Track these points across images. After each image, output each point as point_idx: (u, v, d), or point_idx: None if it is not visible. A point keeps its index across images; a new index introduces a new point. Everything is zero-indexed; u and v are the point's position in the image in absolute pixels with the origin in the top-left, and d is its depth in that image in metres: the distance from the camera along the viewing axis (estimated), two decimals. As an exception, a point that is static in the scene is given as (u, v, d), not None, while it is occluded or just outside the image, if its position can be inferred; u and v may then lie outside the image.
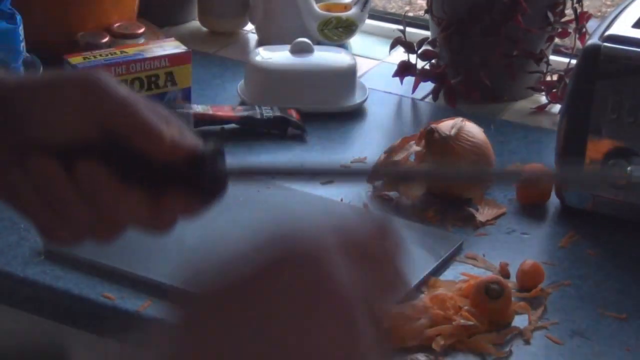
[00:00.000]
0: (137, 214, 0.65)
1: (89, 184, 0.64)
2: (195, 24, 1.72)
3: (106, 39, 1.46)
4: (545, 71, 1.46)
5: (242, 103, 1.43)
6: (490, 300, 1.01)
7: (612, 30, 1.16)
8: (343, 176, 0.63)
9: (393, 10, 2.34)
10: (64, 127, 0.65)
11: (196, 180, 0.64)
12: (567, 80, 1.39)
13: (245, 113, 1.37)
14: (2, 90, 0.66)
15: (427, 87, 1.49)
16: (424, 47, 1.47)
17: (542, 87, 1.46)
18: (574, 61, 1.39)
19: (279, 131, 1.36)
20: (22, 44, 1.36)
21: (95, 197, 0.64)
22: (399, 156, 1.22)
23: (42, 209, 0.65)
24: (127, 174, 0.64)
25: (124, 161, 0.65)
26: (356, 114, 1.44)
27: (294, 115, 1.38)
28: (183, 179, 0.65)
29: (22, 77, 0.67)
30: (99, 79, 0.65)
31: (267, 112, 1.37)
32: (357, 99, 1.44)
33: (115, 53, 1.35)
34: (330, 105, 1.43)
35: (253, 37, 1.68)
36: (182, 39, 1.45)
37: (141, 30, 1.50)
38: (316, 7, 1.62)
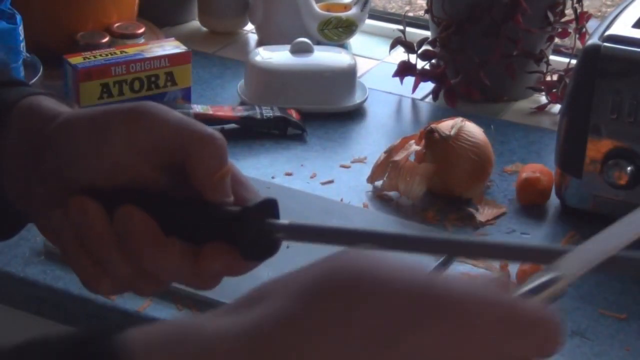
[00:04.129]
0: (178, 270, 0.61)
1: (129, 233, 0.60)
2: (195, 24, 1.72)
3: (106, 39, 1.46)
4: (545, 71, 1.46)
5: (242, 103, 1.43)
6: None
7: (612, 30, 1.16)
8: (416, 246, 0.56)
9: (393, 10, 2.34)
10: (110, 169, 0.61)
11: (242, 236, 0.59)
12: (567, 80, 1.39)
13: (245, 113, 1.37)
14: (47, 130, 0.63)
15: (427, 87, 1.49)
16: (424, 47, 1.47)
17: (542, 87, 1.46)
18: (574, 61, 1.39)
19: (279, 131, 1.37)
20: (22, 44, 1.36)
21: (134, 248, 0.60)
22: (399, 156, 1.22)
23: (83, 256, 0.62)
24: (170, 223, 0.60)
25: (168, 208, 0.61)
26: (356, 114, 1.44)
27: (294, 115, 1.38)
28: (228, 233, 0.60)
29: (68, 114, 0.63)
30: (148, 108, 0.62)
31: (267, 112, 1.37)
32: (357, 99, 1.44)
33: (115, 53, 1.35)
34: (330, 105, 1.43)
35: (253, 37, 1.68)
36: (182, 39, 1.46)
37: (141, 30, 1.50)
38: (316, 7, 1.62)
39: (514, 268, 1.09)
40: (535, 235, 1.17)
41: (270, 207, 0.60)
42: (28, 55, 1.37)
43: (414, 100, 1.49)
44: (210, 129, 0.62)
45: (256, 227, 0.59)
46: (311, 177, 1.27)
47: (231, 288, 1.05)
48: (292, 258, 1.10)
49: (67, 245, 0.62)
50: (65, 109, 0.65)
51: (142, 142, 0.61)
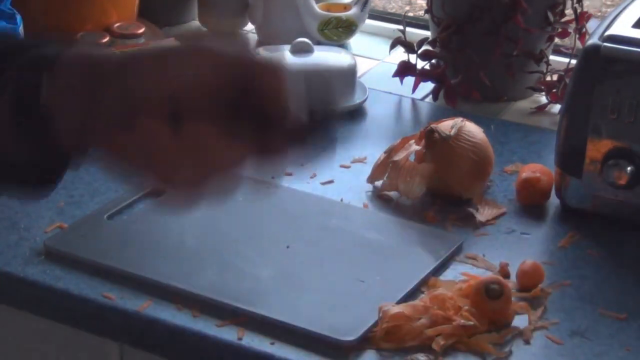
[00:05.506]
0: (244, 162, 0.67)
1: (196, 139, 0.65)
2: (195, 24, 1.72)
3: (106, 39, 1.46)
4: (545, 71, 1.46)
5: (242, 103, 1.43)
6: (490, 300, 1.01)
7: (612, 30, 1.16)
8: None
9: (393, 10, 2.34)
10: (176, 95, 0.66)
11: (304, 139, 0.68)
12: (567, 80, 1.39)
13: (245, 113, 1.37)
14: (108, 65, 0.68)
15: (427, 87, 1.49)
16: (424, 47, 1.47)
17: (542, 87, 1.46)
18: (574, 61, 1.39)
19: (279, 131, 1.36)
20: (22, 44, 1.35)
21: (202, 154, 0.66)
22: (399, 156, 1.22)
23: (150, 169, 0.67)
24: (236, 130, 0.66)
25: (230, 116, 0.66)
26: (356, 114, 1.44)
27: (294, 115, 1.38)
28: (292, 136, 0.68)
29: (126, 52, 0.70)
30: (213, 44, 0.69)
31: (267, 112, 1.37)
32: (357, 99, 1.44)
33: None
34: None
35: (253, 37, 1.68)
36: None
37: (141, 30, 1.50)
38: (316, 7, 1.62)
39: (513, 268, 1.09)
40: (535, 235, 1.17)
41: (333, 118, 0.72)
42: (28, 55, 1.37)
43: (414, 100, 1.49)
44: (272, 62, 0.72)
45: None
46: (311, 177, 1.27)
47: (231, 289, 1.05)
48: (292, 258, 1.10)
49: (132, 162, 0.67)
50: (114, 52, 0.70)
51: (208, 68, 0.67)
